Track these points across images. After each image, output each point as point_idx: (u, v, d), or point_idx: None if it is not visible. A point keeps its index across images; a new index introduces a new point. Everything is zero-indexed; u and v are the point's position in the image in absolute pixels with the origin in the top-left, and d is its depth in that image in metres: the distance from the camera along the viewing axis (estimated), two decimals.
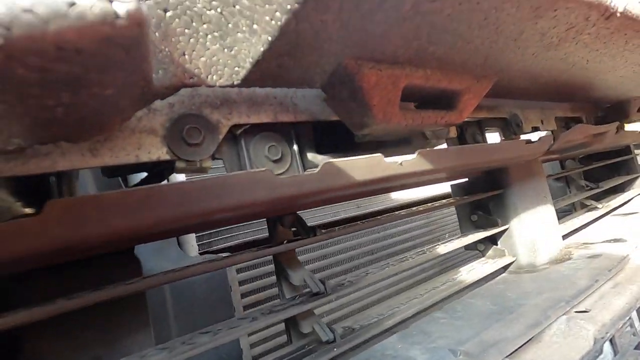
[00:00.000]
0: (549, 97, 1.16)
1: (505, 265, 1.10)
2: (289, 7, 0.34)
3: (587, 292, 0.84)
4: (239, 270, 1.03)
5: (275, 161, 0.56)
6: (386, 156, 0.63)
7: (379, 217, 1.01)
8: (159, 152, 0.47)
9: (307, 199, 0.55)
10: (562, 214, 1.85)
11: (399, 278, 1.25)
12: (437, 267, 1.39)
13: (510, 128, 1.06)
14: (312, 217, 1.33)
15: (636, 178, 2.06)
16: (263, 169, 0.47)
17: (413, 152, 0.68)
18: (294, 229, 0.76)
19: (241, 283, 1.03)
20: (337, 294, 0.70)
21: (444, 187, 1.20)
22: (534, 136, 1.19)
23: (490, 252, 1.14)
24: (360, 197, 1.03)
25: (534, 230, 1.09)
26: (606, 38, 0.62)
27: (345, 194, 0.73)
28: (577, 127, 0.89)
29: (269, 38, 0.37)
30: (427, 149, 0.63)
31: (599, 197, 1.95)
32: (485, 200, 1.13)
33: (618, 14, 0.52)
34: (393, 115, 0.54)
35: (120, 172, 0.75)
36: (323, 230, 0.73)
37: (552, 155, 1.22)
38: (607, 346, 0.71)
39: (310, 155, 0.61)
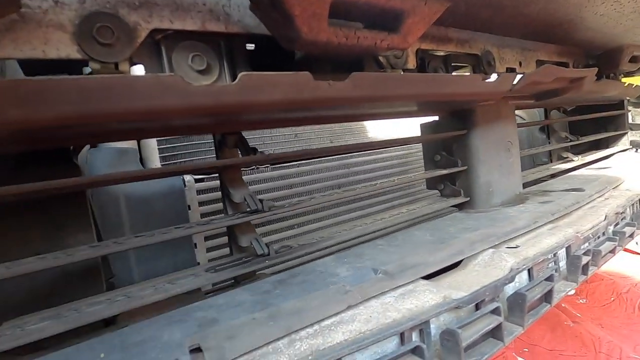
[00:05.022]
0: (526, 35, 1.10)
1: (460, 204, 1.13)
2: None
3: (522, 231, 0.88)
4: (199, 192, 1.07)
5: (200, 72, 0.55)
6: None
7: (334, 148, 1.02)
8: (69, 50, 0.47)
9: (228, 111, 0.56)
10: (543, 163, 1.87)
11: (355, 206, 1.30)
12: (394, 202, 1.44)
13: (481, 66, 1.02)
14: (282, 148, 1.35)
15: (622, 135, 2.03)
16: (172, 74, 0.46)
17: None
18: (238, 149, 0.77)
19: (201, 204, 1.08)
20: (273, 212, 0.73)
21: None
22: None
23: (447, 192, 1.16)
24: (296, 123, 1.03)
25: (492, 173, 1.11)
26: None
27: (274, 116, 0.73)
28: (544, 67, 0.86)
29: None
30: (364, 72, 0.61)
31: (582, 150, 1.94)
32: (450, 140, 1.12)
33: None
34: (321, 30, 0.52)
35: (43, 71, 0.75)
36: (261, 151, 0.75)
37: (526, 101, 1.19)
38: (524, 274, 0.77)
39: (243, 72, 0.59)
